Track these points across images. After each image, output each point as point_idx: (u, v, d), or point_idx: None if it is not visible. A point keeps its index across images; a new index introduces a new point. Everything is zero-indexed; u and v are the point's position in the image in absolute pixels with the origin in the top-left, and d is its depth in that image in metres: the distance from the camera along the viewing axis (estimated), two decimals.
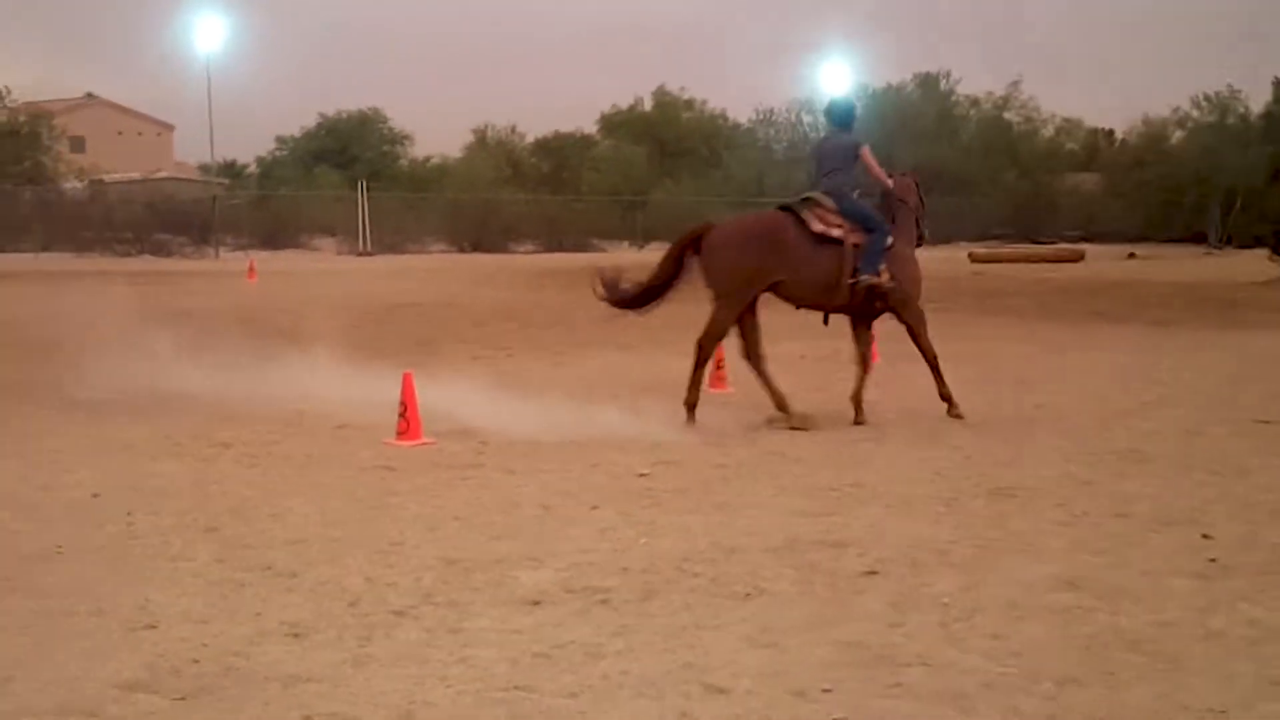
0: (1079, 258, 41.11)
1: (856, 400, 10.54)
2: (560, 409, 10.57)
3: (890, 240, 10.57)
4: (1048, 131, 68.48)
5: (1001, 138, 63.89)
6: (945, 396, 10.63)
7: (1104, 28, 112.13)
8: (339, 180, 58.13)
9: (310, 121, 70.74)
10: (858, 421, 10.34)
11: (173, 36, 52.24)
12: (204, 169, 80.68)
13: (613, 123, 71.15)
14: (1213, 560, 6.07)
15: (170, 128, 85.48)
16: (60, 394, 11.08)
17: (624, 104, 72.41)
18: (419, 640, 4.98)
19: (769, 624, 5.16)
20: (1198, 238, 55.33)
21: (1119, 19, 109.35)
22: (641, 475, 8.12)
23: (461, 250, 49.09)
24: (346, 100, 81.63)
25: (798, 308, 10.96)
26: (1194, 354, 15.26)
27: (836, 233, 10.46)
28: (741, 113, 70.58)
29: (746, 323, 10.63)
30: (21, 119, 49.63)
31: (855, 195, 10.75)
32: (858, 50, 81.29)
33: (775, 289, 10.57)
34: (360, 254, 44.58)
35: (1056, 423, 10.30)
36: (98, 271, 29.37)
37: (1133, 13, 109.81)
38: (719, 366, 12.17)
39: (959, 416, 10.42)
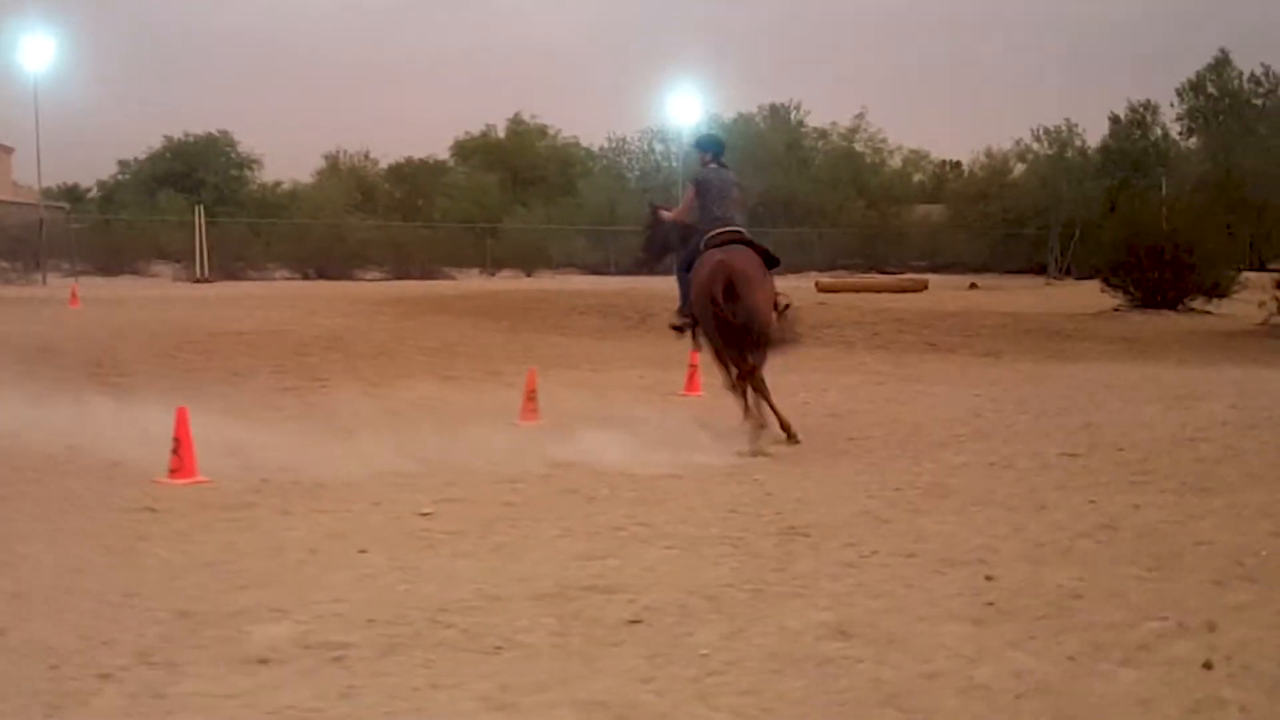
0: (922, 287, 41.71)
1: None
2: (359, 443, 10.20)
3: None
4: (895, 163, 69.83)
5: (849, 168, 64.81)
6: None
7: (950, 63, 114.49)
8: (183, 205, 56.53)
9: (156, 144, 68.91)
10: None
11: (14, 55, 49.49)
12: (44, 193, 78.40)
13: (466, 149, 70.77)
14: (990, 604, 5.84)
15: (9, 150, 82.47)
16: None
17: (477, 130, 71.99)
18: (116, 708, 4.48)
19: (511, 682, 4.77)
20: (1039, 269, 56.70)
21: (962, 56, 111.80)
22: (424, 514, 7.70)
23: (306, 277, 48.00)
24: (196, 123, 79.61)
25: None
26: (1017, 386, 15.31)
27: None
28: (594, 141, 70.54)
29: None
30: None
31: None
32: (709, 80, 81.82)
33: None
34: (197, 280, 43.23)
35: (864, 456, 10.13)
36: None
37: (977, 51, 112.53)
38: (530, 398, 11.78)
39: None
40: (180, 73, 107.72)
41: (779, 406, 10.85)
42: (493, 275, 51.06)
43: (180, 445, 8.49)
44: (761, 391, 10.76)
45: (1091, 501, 8.27)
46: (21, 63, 48.49)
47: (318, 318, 25.30)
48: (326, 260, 48.95)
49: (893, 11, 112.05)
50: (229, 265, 45.61)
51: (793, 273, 51.84)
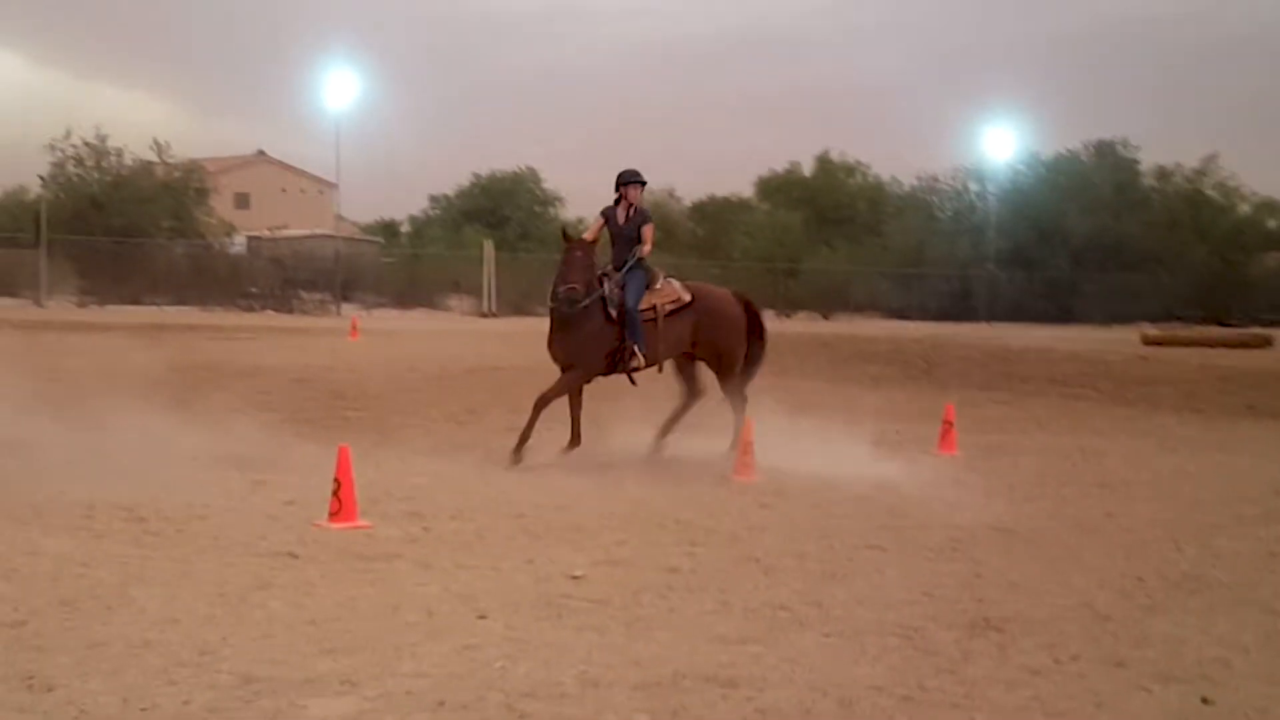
0: (1264, 344, 38.51)
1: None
2: (551, 489, 9.82)
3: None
4: (1245, 209, 65.23)
5: (1189, 211, 61.02)
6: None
7: None
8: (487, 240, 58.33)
9: (466, 180, 71.53)
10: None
11: (334, 95, 52.46)
12: (363, 228, 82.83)
13: (770, 186, 70.38)
14: None
15: (333, 185, 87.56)
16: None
17: (782, 167, 71.54)
18: None
19: None
20: None
21: None
22: (574, 577, 7.15)
23: None
24: (507, 159, 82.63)
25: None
26: None
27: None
28: (903, 179, 68.85)
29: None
30: (177, 174, 51.01)
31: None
32: (1028, 115, 78.73)
33: None
34: (484, 315, 44.36)
35: (1118, 535, 9.01)
36: (188, 326, 29.45)
37: None
38: (746, 451, 11.11)
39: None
40: (493, 110, 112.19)
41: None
42: (787, 317, 50.33)
43: (341, 487, 8.24)
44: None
45: None
46: (338, 102, 51.30)
47: None
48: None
49: (1242, 39, 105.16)
50: (516, 300, 46.58)
51: (1120, 322, 49.24)
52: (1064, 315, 52.18)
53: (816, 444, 12.33)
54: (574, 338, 11.54)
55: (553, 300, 11.67)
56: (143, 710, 4.83)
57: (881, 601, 6.86)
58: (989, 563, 7.99)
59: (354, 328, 28.86)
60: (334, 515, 8.23)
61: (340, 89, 52.30)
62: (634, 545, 8.09)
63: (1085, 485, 11.35)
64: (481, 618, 6.24)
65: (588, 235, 11.94)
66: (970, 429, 15.28)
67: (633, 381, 11.99)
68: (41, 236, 40.39)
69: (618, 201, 11.91)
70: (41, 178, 47.16)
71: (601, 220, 11.96)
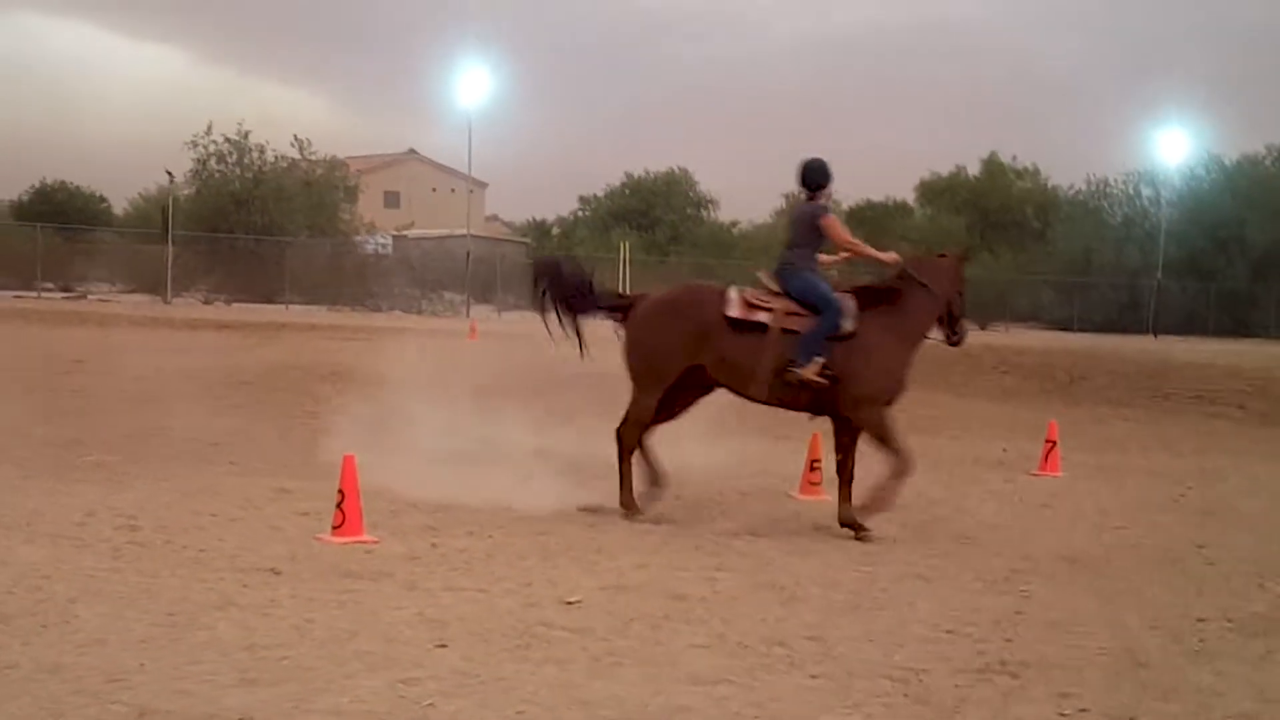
0: None
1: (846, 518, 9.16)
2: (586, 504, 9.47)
3: (841, 328, 9.15)
4: None
5: None
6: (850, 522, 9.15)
7: None
8: (636, 242, 58.24)
9: (618, 181, 71.58)
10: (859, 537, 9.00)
11: (482, 94, 52.92)
12: (514, 228, 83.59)
13: (932, 190, 69.11)
14: None
15: (483, 185, 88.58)
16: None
17: (945, 170, 70.17)
18: None
19: None
20: None
21: None
22: (569, 603, 6.82)
23: None
24: (660, 160, 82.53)
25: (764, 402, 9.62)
26: None
27: (761, 316, 9.24)
28: (1072, 183, 66.81)
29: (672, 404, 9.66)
30: (319, 171, 51.62)
31: (810, 272, 9.42)
32: (1209, 115, 75.67)
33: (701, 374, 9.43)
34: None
35: (1197, 571, 8.38)
36: (309, 326, 29.80)
37: None
38: (813, 468, 10.67)
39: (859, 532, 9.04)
40: (652, 110, 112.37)
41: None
42: None
43: (345, 499, 8.03)
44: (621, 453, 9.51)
45: None
46: (480, 99, 51.69)
47: None
48: None
49: None
50: None
51: None
52: (1240, 329, 50.11)
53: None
54: None
55: None
56: None
57: (896, 639, 6.40)
58: (1039, 597, 7.46)
59: (473, 330, 28.95)
60: (337, 528, 8.02)
61: (491, 87, 52.81)
62: (654, 569, 7.73)
63: (1187, 512, 10.66)
64: (440, 647, 5.92)
65: None
66: (1086, 448, 14.62)
67: None
68: (169, 233, 41.30)
69: None
70: (169, 173, 47.42)
71: None
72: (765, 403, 9.46)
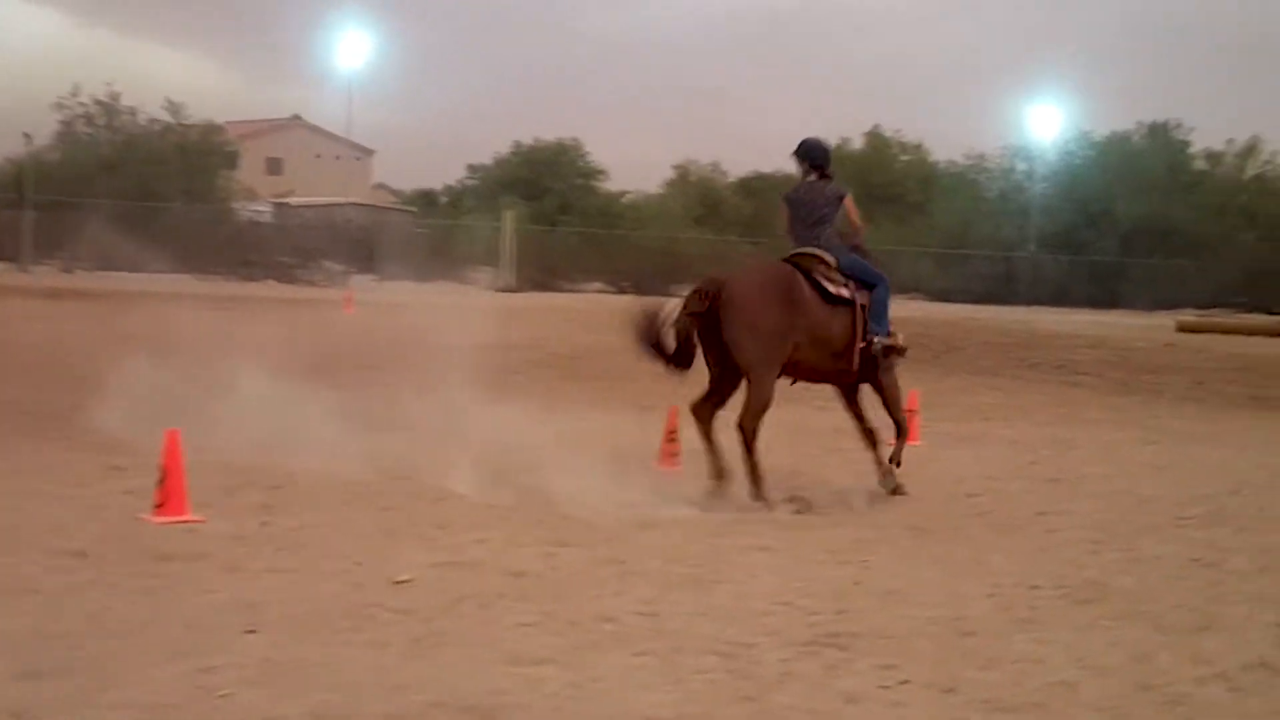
0: None
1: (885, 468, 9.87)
2: (455, 478, 9.26)
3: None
4: None
5: (1237, 195, 59.49)
6: (890, 465, 9.89)
7: None
8: (524, 212, 57.72)
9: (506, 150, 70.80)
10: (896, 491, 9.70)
11: (379, 61, 51.86)
12: (401, 196, 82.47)
13: None
14: None
15: (370, 153, 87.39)
16: None
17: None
18: None
19: None
20: None
21: None
22: (399, 583, 6.62)
23: (621, 291, 47.97)
24: (551, 129, 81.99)
25: (795, 380, 9.88)
26: None
27: (845, 292, 9.57)
28: (951, 157, 67.57)
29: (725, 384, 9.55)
30: (193, 136, 50.22)
31: (851, 249, 9.94)
32: (1087, 97, 77.09)
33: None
34: (500, 290, 43.83)
35: (1037, 539, 8.43)
36: (172, 295, 28.99)
37: None
38: (670, 439, 10.59)
39: (897, 491, 9.72)
40: (540, 77, 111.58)
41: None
42: None
43: (167, 476, 7.70)
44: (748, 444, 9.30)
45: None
46: (362, 63, 50.68)
47: (586, 334, 24.72)
48: (644, 274, 48.75)
49: None
50: (543, 277, 46.09)
51: (1165, 308, 48.10)
52: (1109, 301, 51.12)
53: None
54: None
55: None
56: None
57: (729, 613, 6.32)
58: (882, 567, 7.45)
59: (348, 301, 28.41)
60: (159, 507, 7.70)
61: (377, 53, 51.93)
62: (494, 544, 7.58)
63: (1036, 480, 10.77)
64: (249, 633, 5.66)
65: None
66: (950, 417, 14.73)
67: None
68: (25, 198, 39.90)
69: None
70: (26, 135, 45.46)
71: None
72: (821, 380, 9.93)
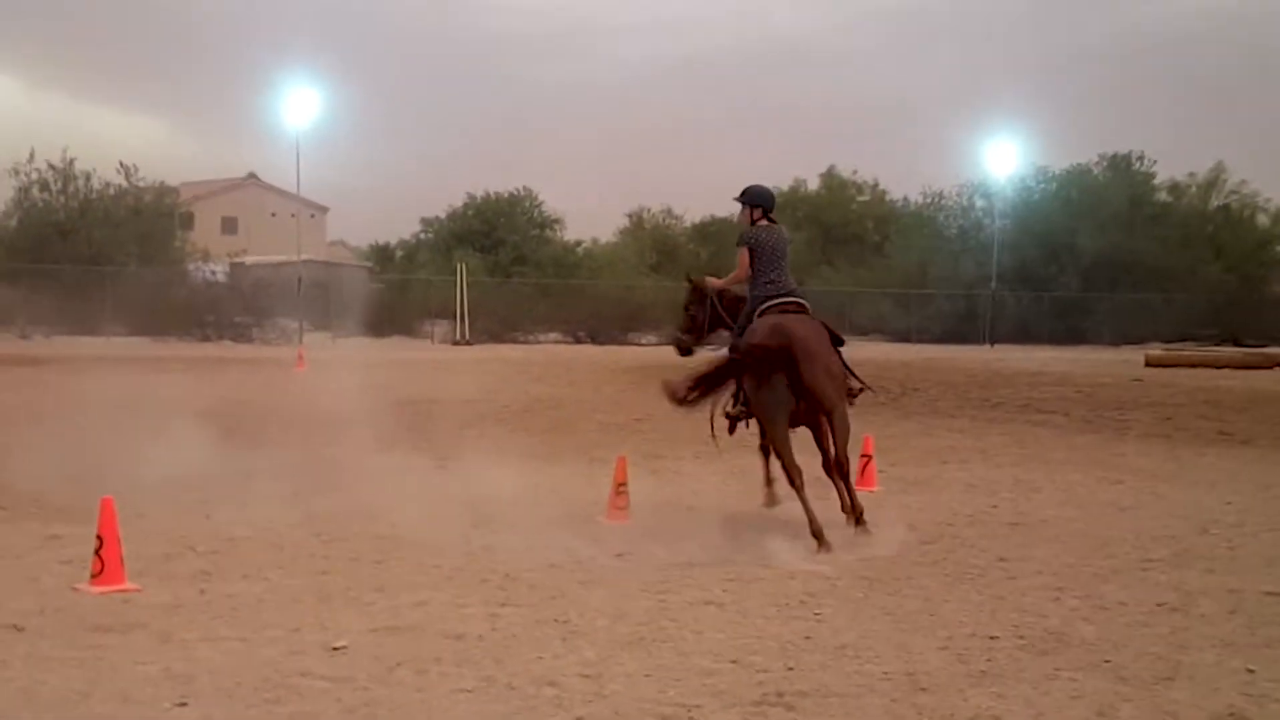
0: (1270, 364, 37.58)
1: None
2: (384, 540, 9.15)
3: None
4: (1262, 221, 64.07)
5: (1203, 226, 60.03)
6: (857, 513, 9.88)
7: None
8: (478, 264, 57.60)
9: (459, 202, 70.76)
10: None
11: (332, 119, 51.80)
12: (356, 252, 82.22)
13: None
14: None
15: (325, 210, 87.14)
16: None
17: (785, 185, 70.87)
18: None
19: None
20: None
21: None
22: (334, 649, 6.44)
23: (577, 340, 47.89)
24: (502, 181, 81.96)
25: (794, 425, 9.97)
26: None
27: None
28: (911, 197, 68.02)
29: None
30: (146, 198, 50.13)
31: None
32: (1043, 132, 77.69)
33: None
34: (456, 343, 43.66)
35: (996, 585, 8.26)
36: (125, 359, 28.79)
37: None
38: (619, 491, 10.45)
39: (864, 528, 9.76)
40: (492, 129, 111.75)
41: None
42: None
43: (104, 545, 7.53)
44: (848, 487, 10.01)
45: (1251, 670, 6.28)
46: (310, 121, 50.56)
47: (538, 386, 24.63)
48: (600, 323, 48.69)
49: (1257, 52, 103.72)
50: (497, 329, 45.97)
51: (1132, 343, 48.32)
52: (1073, 336, 51.41)
53: (691, 483, 11.62)
54: None
55: None
56: None
57: (674, 674, 6.14)
58: (831, 621, 7.27)
59: (300, 359, 28.19)
60: (95, 577, 7.51)
61: (331, 111, 51.88)
62: (434, 606, 7.39)
63: (995, 525, 10.59)
64: (180, 705, 5.51)
65: None
66: (908, 461, 14.61)
67: None
68: None
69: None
70: None
71: None
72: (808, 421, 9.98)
